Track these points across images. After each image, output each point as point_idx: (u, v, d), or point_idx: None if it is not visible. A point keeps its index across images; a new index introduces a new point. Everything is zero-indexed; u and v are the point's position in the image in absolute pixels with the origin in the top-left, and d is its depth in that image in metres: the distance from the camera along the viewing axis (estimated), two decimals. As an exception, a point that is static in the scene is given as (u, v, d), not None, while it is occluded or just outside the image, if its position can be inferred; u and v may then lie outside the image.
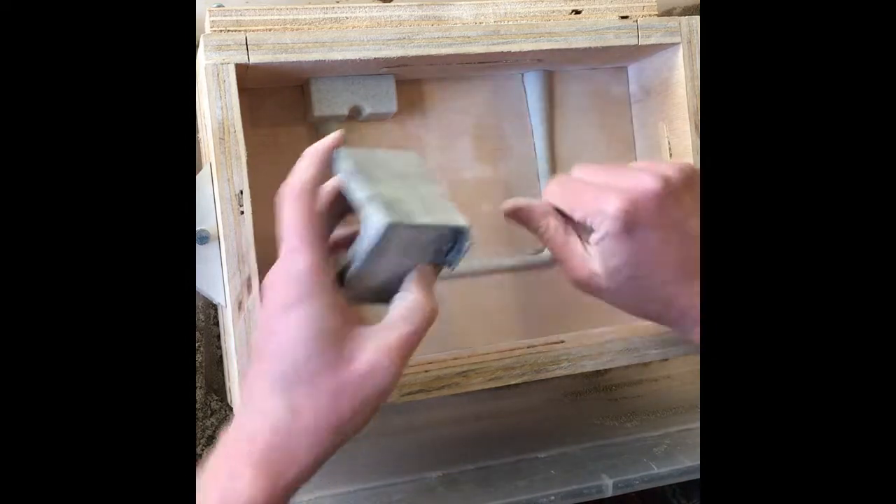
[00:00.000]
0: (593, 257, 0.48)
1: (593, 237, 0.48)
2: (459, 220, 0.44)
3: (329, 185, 0.44)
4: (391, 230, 0.41)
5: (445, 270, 0.46)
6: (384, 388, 0.40)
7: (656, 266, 0.47)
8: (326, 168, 0.43)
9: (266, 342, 0.41)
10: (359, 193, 0.42)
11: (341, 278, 0.43)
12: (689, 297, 0.48)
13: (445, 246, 0.45)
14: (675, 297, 0.48)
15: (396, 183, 0.44)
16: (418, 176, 0.46)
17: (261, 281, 0.46)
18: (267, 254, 0.51)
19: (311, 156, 0.43)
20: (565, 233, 0.50)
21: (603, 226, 0.46)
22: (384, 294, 0.44)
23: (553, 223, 0.50)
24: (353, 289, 0.43)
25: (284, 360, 0.40)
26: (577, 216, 0.48)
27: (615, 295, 0.49)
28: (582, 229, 0.50)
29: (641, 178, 0.47)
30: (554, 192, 0.50)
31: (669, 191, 0.47)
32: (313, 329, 0.39)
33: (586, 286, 0.50)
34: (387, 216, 0.41)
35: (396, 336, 0.41)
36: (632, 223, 0.46)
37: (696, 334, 0.48)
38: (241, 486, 0.38)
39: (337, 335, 0.40)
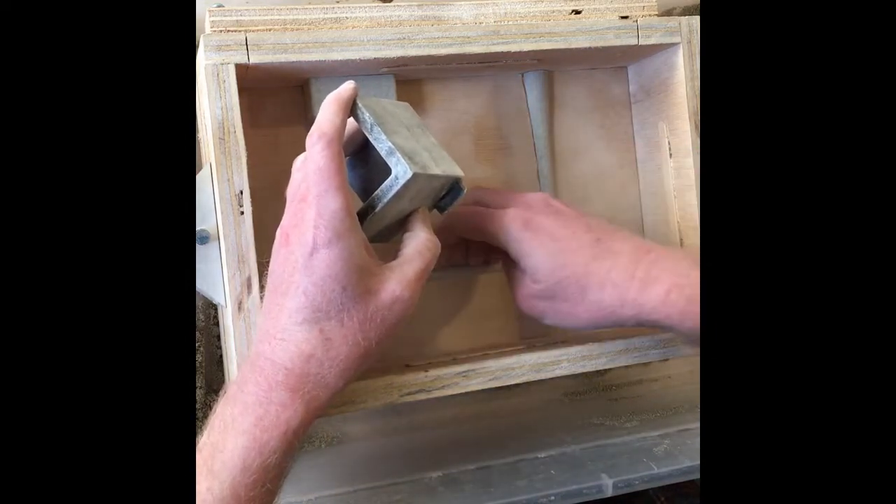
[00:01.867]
0: (521, 273, 0.52)
1: (507, 246, 0.52)
2: (458, 171, 0.50)
3: (347, 132, 0.47)
4: (414, 179, 0.45)
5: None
6: (404, 317, 0.45)
7: (569, 249, 0.50)
8: (347, 116, 0.46)
9: (292, 279, 0.43)
10: (383, 143, 0.46)
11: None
12: (620, 276, 0.50)
13: (442, 192, 0.51)
14: (604, 279, 0.50)
15: (405, 133, 0.48)
16: (417, 126, 0.51)
17: (261, 279, 0.47)
18: (267, 253, 0.51)
19: (336, 103, 0.45)
20: (510, 265, 0.53)
21: (507, 232, 0.51)
22: (386, 234, 0.50)
23: (503, 262, 0.54)
24: (365, 229, 0.46)
25: (318, 295, 0.42)
26: (484, 237, 0.53)
27: (555, 302, 0.51)
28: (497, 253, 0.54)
29: (524, 192, 0.54)
30: (461, 225, 0.54)
31: (551, 196, 0.54)
32: (347, 265, 0.43)
33: (529, 303, 0.53)
34: (412, 167, 0.45)
35: (413, 270, 0.45)
36: (527, 218, 0.51)
37: (648, 319, 0.50)
38: (278, 411, 0.42)
39: (365, 270, 0.44)
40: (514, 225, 0.51)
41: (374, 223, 0.47)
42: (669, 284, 0.49)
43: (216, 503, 0.40)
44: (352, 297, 0.43)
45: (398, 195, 0.46)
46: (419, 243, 0.47)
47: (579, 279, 0.50)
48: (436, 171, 0.48)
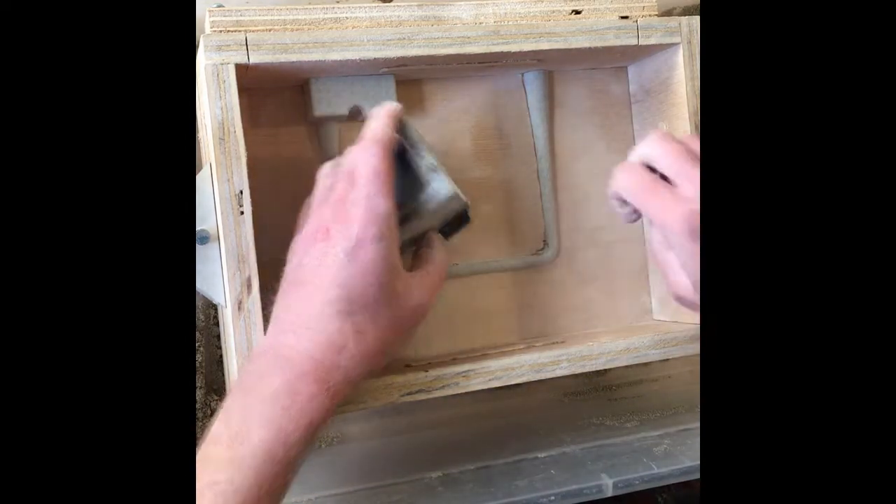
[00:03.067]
0: (681, 270, 0.49)
1: (671, 244, 0.48)
2: (466, 199, 0.52)
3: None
4: (450, 198, 0.49)
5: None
6: (420, 322, 0.47)
7: None
8: (396, 129, 0.49)
9: (329, 272, 0.44)
10: (427, 160, 0.49)
11: None
12: None
13: (449, 218, 0.52)
14: None
15: (433, 154, 0.51)
16: (437, 154, 0.53)
17: (261, 279, 0.47)
18: (267, 253, 0.51)
19: (388, 116, 0.48)
20: (665, 248, 0.50)
21: (672, 233, 0.47)
22: (403, 247, 0.51)
23: (656, 237, 0.51)
24: None
25: (356, 288, 0.44)
26: (646, 215, 0.49)
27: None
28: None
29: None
30: (625, 187, 0.50)
31: None
32: (386, 264, 0.44)
33: (682, 300, 0.50)
34: (452, 187, 0.49)
35: (432, 281, 0.48)
36: (694, 229, 0.46)
37: None
38: (304, 402, 0.42)
39: (398, 273, 0.46)
40: (683, 230, 0.46)
41: (401, 234, 0.48)
42: None
43: (235, 495, 0.40)
44: (385, 296, 0.44)
45: (431, 211, 0.49)
46: (438, 258, 0.49)
47: None
48: (460, 193, 0.50)
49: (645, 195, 0.48)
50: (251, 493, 0.40)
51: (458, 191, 0.50)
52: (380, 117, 0.48)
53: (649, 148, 0.49)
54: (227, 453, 0.41)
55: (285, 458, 0.41)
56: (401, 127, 0.49)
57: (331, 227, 0.45)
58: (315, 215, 0.46)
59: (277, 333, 0.45)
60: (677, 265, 0.49)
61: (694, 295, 0.49)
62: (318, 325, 0.43)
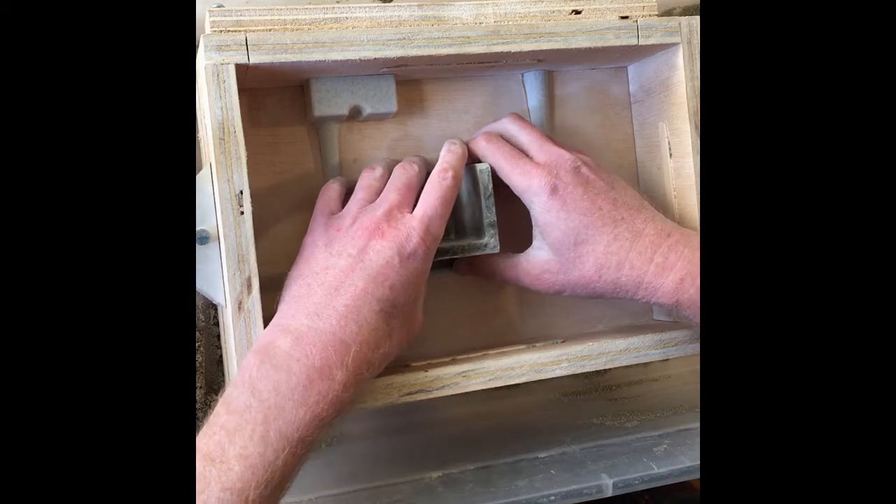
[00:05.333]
0: (535, 248, 0.54)
1: (531, 208, 0.53)
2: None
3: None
4: (493, 253, 0.55)
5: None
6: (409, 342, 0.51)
7: (593, 225, 0.51)
8: None
9: (381, 270, 0.46)
10: (491, 213, 0.54)
11: None
12: (639, 258, 0.51)
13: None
14: (622, 260, 0.51)
15: (493, 210, 0.55)
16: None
17: (261, 280, 0.47)
18: (267, 253, 0.51)
19: (464, 157, 0.53)
20: (503, 256, 0.55)
21: (533, 194, 0.52)
22: None
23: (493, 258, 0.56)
24: None
25: (401, 294, 0.47)
26: (507, 182, 0.54)
27: (570, 275, 0.53)
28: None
29: (558, 152, 0.53)
30: (490, 155, 0.55)
31: (582, 161, 0.53)
32: (424, 280, 0.49)
33: (542, 278, 0.54)
34: (498, 244, 0.54)
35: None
36: (556, 185, 0.52)
37: (659, 302, 0.51)
38: (339, 390, 0.43)
39: (423, 291, 0.50)
40: (543, 191, 0.52)
41: None
42: (684, 273, 0.50)
43: (265, 470, 0.40)
44: (412, 309, 0.48)
45: (463, 253, 0.53)
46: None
47: (598, 258, 0.51)
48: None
49: (507, 163, 0.53)
50: (275, 468, 0.41)
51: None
52: (455, 153, 0.52)
53: (504, 125, 0.56)
54: (257, 429, 0.41)
55: (312, 443, 0.42)
56: (478, 172, 0.53)
57: (386, 230, 0.47)
58: (367, 213, 0.48)
59: (310, 315, 0.45)
60: (523, 256, 0.54)
61: (557, 263, 0.53)
62: (362, 318, 0.45)
